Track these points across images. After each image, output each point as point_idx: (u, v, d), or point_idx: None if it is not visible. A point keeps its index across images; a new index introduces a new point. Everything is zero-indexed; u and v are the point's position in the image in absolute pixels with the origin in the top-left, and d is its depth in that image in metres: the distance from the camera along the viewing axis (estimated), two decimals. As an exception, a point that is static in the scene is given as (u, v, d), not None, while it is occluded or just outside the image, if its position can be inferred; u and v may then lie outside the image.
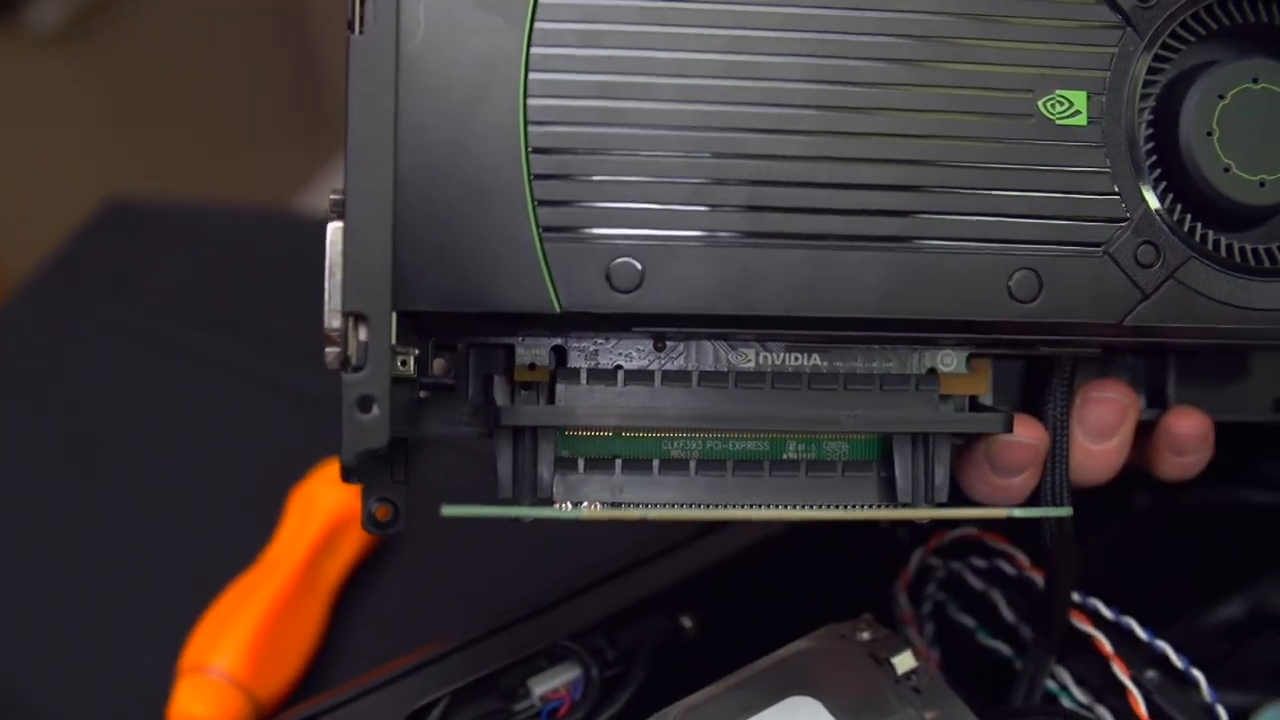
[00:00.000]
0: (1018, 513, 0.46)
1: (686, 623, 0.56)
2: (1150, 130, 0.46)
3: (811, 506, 0.47)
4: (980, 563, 0.56)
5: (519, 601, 0.55)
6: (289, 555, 0.73)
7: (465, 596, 0.63)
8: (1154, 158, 0.46)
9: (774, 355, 0.48)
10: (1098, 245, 0.45)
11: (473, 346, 0.48)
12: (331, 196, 0.43)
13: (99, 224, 1.04)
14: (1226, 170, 0.46)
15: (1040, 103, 0.45)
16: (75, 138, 1.88)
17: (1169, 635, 0.53)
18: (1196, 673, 0.52)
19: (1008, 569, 0.55)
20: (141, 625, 0.77)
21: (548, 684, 0.54)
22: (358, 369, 0.41)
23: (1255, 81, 0.46)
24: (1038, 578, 0.54)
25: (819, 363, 0.48)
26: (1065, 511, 0.47)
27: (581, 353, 0.47)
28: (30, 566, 0.82)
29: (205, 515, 0.82)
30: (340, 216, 0.42)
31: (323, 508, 0.74)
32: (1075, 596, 0.53)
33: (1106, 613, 0.53)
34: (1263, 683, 0.59)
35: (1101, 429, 0.50)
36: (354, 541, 0.75)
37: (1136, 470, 0.53)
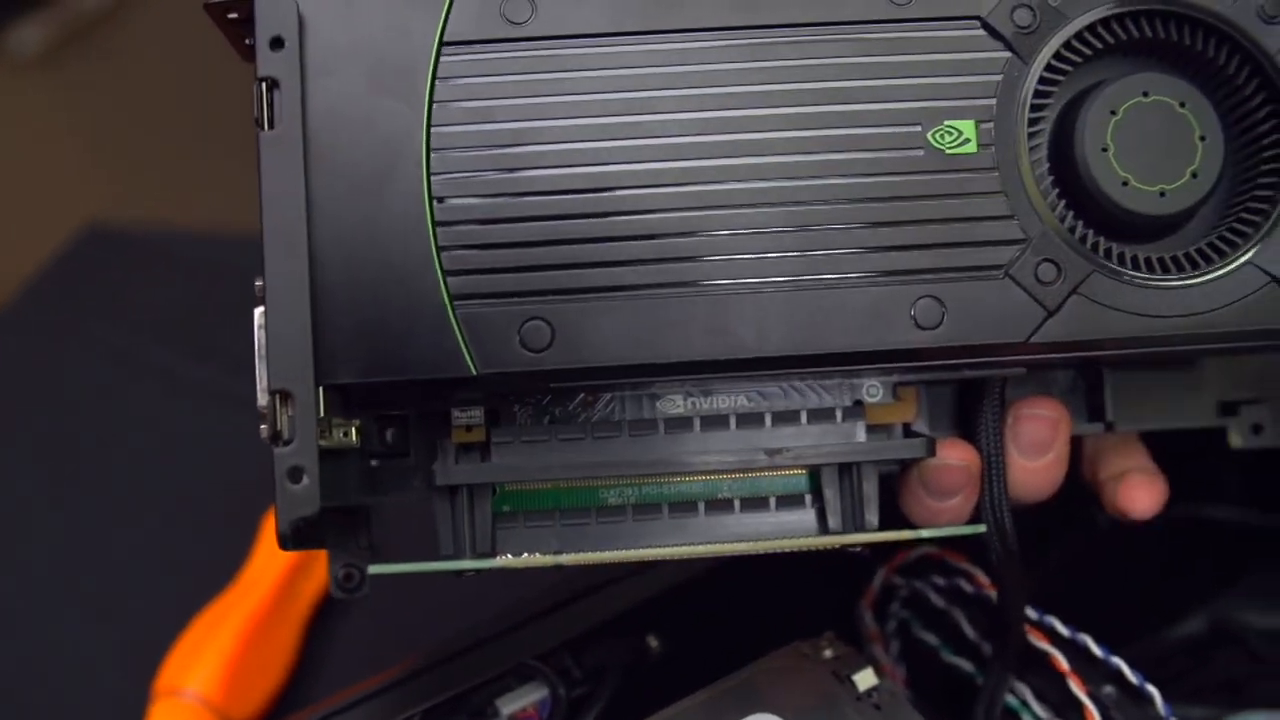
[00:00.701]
0: (926, 533, 0.47)
1: (653, 642, 0.58)
2: (1047, 151, 0.48)
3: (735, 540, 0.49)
4: (941, 581, 0.57)
5: (488, 622, 0.57)
6: (264, 578, 0.75)
7: (437, 617, 0.65)
8: (1053, 177, 0.47)
9: (701, 400, 0.50)
10: (997, 268, 0.46)
11: (419, 415, 0.50)
12: (256, 283, 0.45)
13: (81, 248, 1.07)
14: (1125, 184, 0.47)
15: (929, 134, 0.47)
16: (57, 161, 1.94)
17: (1131, 651, 0.54)
18: (1151, 688, 0.52)
19: (967, 587, 0.56)
20: (117, 647, 0.80)
21: (516, 703, 0.55)
22: (287, 442, 0.43)
23: (1145, 95, 0.47)
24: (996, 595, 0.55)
25: (745, 403, 0.50)
26: (977, 529, 0.48)
27: (514, 412, 0.49)
28: (6, 587, 0.84)
29: (182, 537, 0.84)
30: (264, 302, 0.44)
31: None
32: (1033, 614, 0.54)
33: (1063, 630, 0.54)
34: (1221, 697, 0.60)
35: (1035, 445, 0.51)
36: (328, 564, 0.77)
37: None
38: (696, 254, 0.46)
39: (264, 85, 0.45)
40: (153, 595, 0.81)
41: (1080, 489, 0.55)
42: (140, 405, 0.93)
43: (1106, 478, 0.54)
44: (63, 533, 0.87)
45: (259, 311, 0.45)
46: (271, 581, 0.75)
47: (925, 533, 0.47)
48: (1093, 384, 0.53)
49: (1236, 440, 0.54)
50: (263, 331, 0.45)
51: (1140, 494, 0.52)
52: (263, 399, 0.45)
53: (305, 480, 0.43)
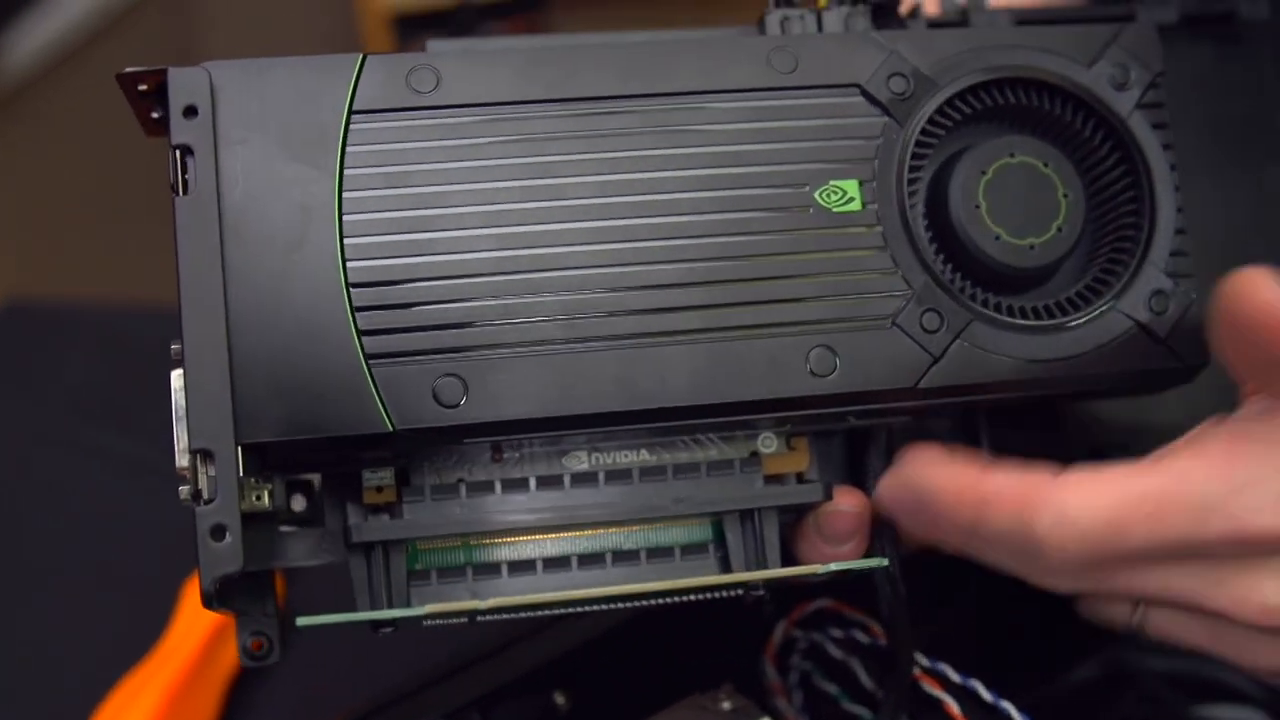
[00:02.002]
0: (834, 566, 0.49)
1: (559, 699, 0.59)
2: (925, 208, 0.51)
3: (644, 580, 0.50)
4: (838, 633, 0.58)
5: (399, 683, 0.57)
6: (182, 647, 0.74)
7: (353, 681, 0.66)
8: (931, 233, 0.50)
9: (605, 455, 0.51)
10: (885, 318, 0.49)
11: (327, 479, 0.51)
12: (173, 347, 0.46)
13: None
14: (997, 238, 0.50)
15: (816, 194, 0.49)
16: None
17: (1030, 697, 0.55)
18: None
19: (863, 638, 0.58)
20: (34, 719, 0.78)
21: (426, 760, 0.56)
22: (209, 501, 0.44)
23: (1012, 155, 0.51)
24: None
25: (647, 457, 0.51)
26: (879, 562, 0.50)
27: (423, 471, 0.50)
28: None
29: (101, 608, 0.83)
30: (181, 365, 0.45)
31: None
32: (925, 661, 0.56)
33: (954, 676, 0.56)
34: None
35: None
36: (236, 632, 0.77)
37: None
38: (600, 310, 0.48)
39: (178, 152, 0.46)
40: (71, 665, 0.80)
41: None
42: (57, 477, 0.91)
43: None
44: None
45: (176, 374, 0.46)
46: (191, 649, 0.74)
47: (833, 565, 0.49)
48: (971, 437, 0.56)
49: None
50: (181, 394, 0.45)
51: None
52: (182, 460, 0.45)
53: (228, 537, 0.44)
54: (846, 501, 0.52)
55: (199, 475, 0.44)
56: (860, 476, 0.54)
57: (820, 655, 0.59)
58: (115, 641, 0.79)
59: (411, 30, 1.97)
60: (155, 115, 0.49)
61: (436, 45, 0.53)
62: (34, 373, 0.99)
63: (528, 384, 0.47)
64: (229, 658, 0.77)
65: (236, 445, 0.45)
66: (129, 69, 0.47)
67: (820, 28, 0.53)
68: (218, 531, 0.44)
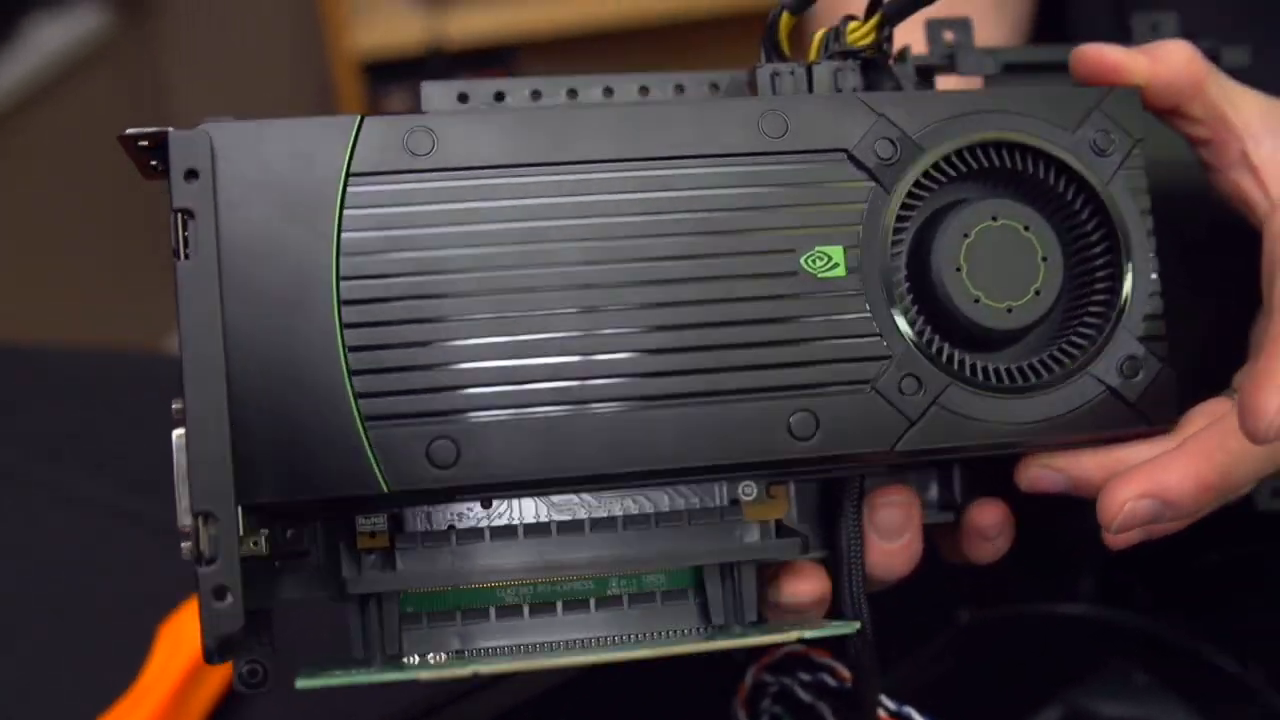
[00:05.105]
0: (808, 634, 0.50)
1: (535, 739, 0.61)
2: (905, 271, 0.52)
3: (630, 646, 0.52)
4: (806, 676, 0.60)
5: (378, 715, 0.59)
6: (157, 687, 0.75)
7: (336, 708, 0.67)
8: (911, 295, 0.52)
9: (591, 502, 0.53)
10: (865, 382, 0.50)
11: (321, 518, 0.53)
12: (174, 407, 0.47)
13: (-30, 364, 1.06)
14: (977, 301, 0.51)
15: (802, 259, 0.51)
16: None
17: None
18: None
19: (830, 681, 0.60)
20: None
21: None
22: (210, 561, 0.45)
23: (994, 219, 0.52)
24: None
25: (631, 505, 0.53)
26: (850, 627, 0.52)
27: (416, 518, 0.52)
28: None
29: (74, 651, 0.83)
30: (183, 424, 0.46)
31: (192, 638, 0.77)
32: (891, 705, 0.58)
33: (918, 719, 0.58)
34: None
35: (891, 529, 0.55)
36: (223, 671, 0.78)
37: (955, 567, 0.59)
38: (591, 374, 0.49)
39: (179, 216, 0.47)
40: (45, 708, 0.81)
41: (943, 592, 0.59)
42: (22, 523, 0.92)
43: None
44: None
45: (178, 434, 0.47)
46: (166, 690, 0.75)
47: (808, 634, 0.50)
48: (944, 478, 0.58)
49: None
50: (182, 454, 0.47)
51: (985, 509, 0.56)
52: (185, 520, 0.47)
53: (229, 598, 0.45)
54: (804, 589, 0.54)
55: (201, 536, 0.46)
56: (833, 521, 0.55)
57: (790, 699, 0.61)
58: (89, 684, 0.79)
59: (382, 77, 1.96)
60: (153, 163, 0.49)
61: (430, 88, 0.54)
62: (4, 416, 1.00)
63: (519, 447, 0.48)
64: (205, 696, 0.78)
65: (237, 506, 0.46)
66: (130, 131, 0.48)
67: (810, 83, 0.54)
68: (220, 592, 0.45)
